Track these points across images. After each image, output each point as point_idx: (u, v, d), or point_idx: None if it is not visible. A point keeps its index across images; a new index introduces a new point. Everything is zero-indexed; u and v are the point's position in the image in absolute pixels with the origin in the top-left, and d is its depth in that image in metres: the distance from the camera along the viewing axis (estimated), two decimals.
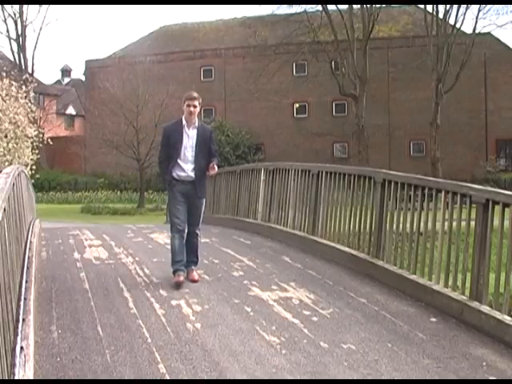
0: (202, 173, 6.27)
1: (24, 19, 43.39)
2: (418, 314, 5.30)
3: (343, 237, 7.44)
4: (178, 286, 6.00)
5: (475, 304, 4.97)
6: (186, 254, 6.30)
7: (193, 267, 6.36)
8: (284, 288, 6.09)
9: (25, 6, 43.21)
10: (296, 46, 32.60)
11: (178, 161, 6.19)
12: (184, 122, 6.25)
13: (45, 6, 44.62)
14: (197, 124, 6.28)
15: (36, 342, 4.26)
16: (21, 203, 6.45)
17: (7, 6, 42.55)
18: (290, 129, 37.94)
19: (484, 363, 4.24)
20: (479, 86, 34.84)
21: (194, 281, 6.22)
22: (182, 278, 6.11)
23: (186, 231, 6.29)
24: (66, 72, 60.70)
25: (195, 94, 6.26)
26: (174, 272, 6.19)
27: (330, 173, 7.92)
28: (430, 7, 30.79)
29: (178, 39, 41.64)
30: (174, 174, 6.21)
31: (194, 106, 6.19)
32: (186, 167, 6.20)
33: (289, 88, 37.50)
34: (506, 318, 4.65)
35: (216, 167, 6.30)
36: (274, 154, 34.66)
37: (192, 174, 6.20)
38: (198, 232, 6.39)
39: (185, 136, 6.20)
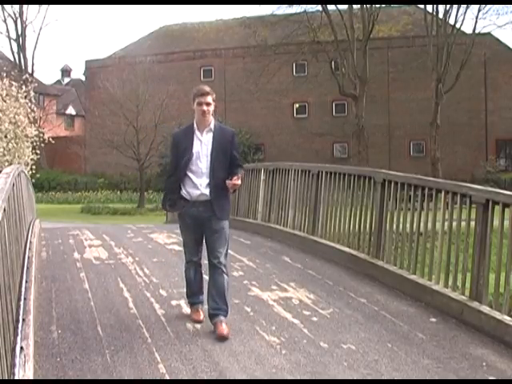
0: (220, 189, 4.76)
1: (24, 19, 43.45)
2: (417, 314, 5.30)
3: (343, 237, 7.44)
4: (197, 322, 4.89)
5: (475, 304, 4.97)
6: (211, 300, 4.79)
7: (221, 318, 4.72)
8: (284, 288, 6.08)
9: (25, 6, 43.34)
10: (296, 46, 32.57)
11: (189, 174, 4.78)
12: (195, 125, 4.86)
13: (44, 6, 44.96)
14: (212, 126, 4.85)
15: (36, 342, 4.26)
16: (21, 203, 6.44)
17: (7, 6, 42.71)
18: (290, 129, 37.97)
19: (484, 363, 4.24)
20: (479, 86, 34.86)
21: (223, 337, 4.59)
22: (202, 316, 4.94)
23: (208, 264, 4.89)
24: (65, 72, 60.74)
25: (207, 89, 4.83)
26: (192, 306, 5.07)
27: (330, 173, 7.92)
28: (429, 7, 30.82)
29: (178, 39, 41.66)
30: (184, 192, 4.80)
31: (208, 104, 4.78)
32: (199, 182, 4.76)
33: (289, 88, 37.54)
34: (506, 318, 4.65)
35: (239, 181, 4.77)
36: (274, 154, 34.69)
37: (207, 192, 4.75)
38: (223, 267, 4.79)
39: (196, 142, 4.80)
